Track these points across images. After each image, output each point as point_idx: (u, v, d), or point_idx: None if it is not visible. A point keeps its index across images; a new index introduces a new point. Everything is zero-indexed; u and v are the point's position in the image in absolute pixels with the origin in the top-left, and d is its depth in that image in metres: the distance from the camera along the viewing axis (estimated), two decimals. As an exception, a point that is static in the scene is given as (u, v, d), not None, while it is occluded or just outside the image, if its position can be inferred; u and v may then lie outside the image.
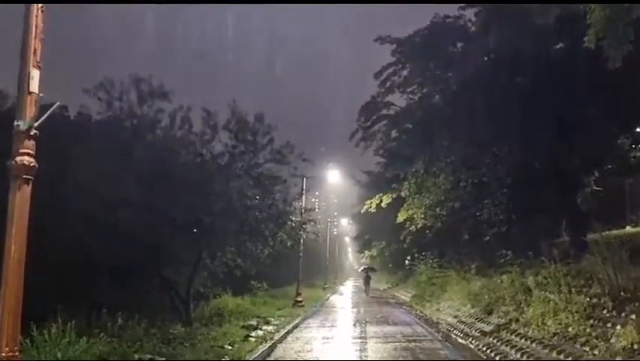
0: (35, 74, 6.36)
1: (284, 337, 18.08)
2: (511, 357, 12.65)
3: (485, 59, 22.27)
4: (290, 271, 36.98)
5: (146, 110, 17.20)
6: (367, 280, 50.66)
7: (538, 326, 13.37)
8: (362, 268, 55.50)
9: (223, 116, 18.49)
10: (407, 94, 30.00)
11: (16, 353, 5.74)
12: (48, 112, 6.54)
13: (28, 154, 6.12)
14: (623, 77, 14.50)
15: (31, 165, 6.12)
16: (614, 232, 19.69)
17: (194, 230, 17.38)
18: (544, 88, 17.88)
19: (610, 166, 23.81)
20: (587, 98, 16.77)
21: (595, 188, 24.71)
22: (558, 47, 18.78)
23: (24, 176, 6.07)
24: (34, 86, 6.34)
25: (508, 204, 25.90)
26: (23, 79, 6.31)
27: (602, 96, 16.25)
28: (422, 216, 31.93)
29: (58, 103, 7.21)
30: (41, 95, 6.45)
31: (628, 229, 24.14)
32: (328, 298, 43.58)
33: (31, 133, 6.20)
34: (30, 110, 6.24)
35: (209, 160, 18.43)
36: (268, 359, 13.86)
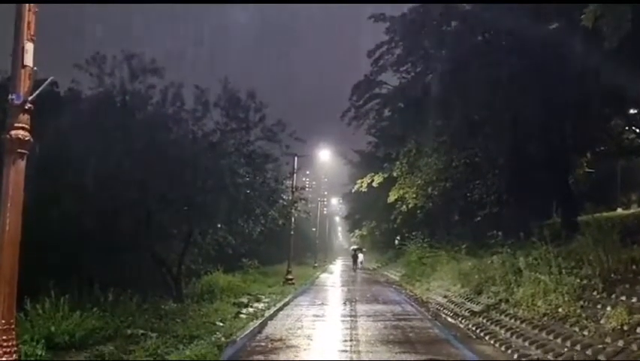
0: (29, 48, 6.28)
1: (275, 314, 18.13)
2: (500, 337, 12.74)
3: (480, 38, 22.18)
4: (281, 250, 37.05)
5: (137, 86, 17.05)
6: (355, 260, 56.25)
7: (528, 307, 13.46)
8: (352, 249, 61.48)
9: (215, 93, 18.38)
10: (400, 73, 29.85)
11: (12, 326, 5.74)
12: (42, 86, 6.48)
13: (22, 128, 6.07)
14: (619, 58, 14.47)
15: (26, 139, 6.07)
16: (606, 213, 19.85)
17: (185, 207, 17.32)
18: (539, 68, 17.83)
19: (603, 148, 23.88)
20: (581, 79, 16.73)
21: (587, 169, 24.84)
22: (553, 26, 18.70)
23: (18, 150, 6.01)
24: (29, 59, 6.27)
25: (499, 185, 25.99)
26: (17, 52, 6.23)
27: (596, 77, 16.20)
28: (413, 196, 32.02)
29: (52, 77, 7.13)
30: (35, 68, 6.37)
31: (619, 211, 24.34)
32: (318, 277, 43.74)
33: (26, 107, 6.14)
34: (24, 84, 6.17)
35: (201, 137, 18.32)
36: (259, 335, 13.88)
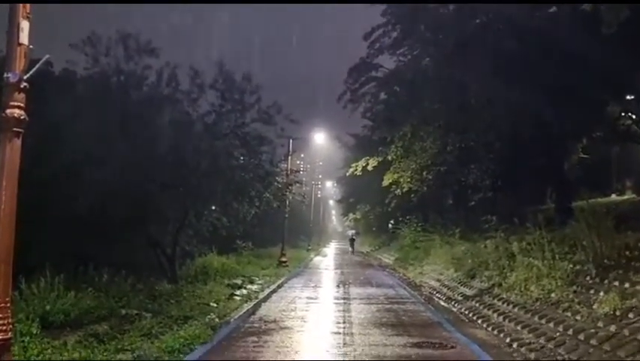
0: (25, 26, 6.22)
1: (268, 296, 18.22)
2: (493, 321, 12.82)
3: (477, 21, 22.06)
4: (275, 232, 37.10)
5: (132, 66, 16.96)
6: (352, 243, 58.02)
7: (521, 291, 13.53)
8: (350, 234, 62.65)
9: (210, 74, 18.31)
10: (396, 56, 29.73)
11: (8, 304, 5.74)
12: (38, 64, 6.43)
13: (18, 107, 6.03)
14: (616, 44, 14.44)
15: (22, 117, 6.03)
16: (600, 199, 19.91)
17: (180, 188, 17.30)
18: (535, 53, 17.77)
19: (598, 134, 23.86)
20: (578, 65, 16.68)
21: (582, 155, 24.85)
22: (552, 10, 18.61)
23: (14, 128, 5.98)
24: (24, 37, 6.21)
25: (494, 170, 26.01)
26: (13, 30, 6.17)
27: (593, 63, 16.15)
28: (408, 180, 31.93)
29: (48, 56, 7.07)
30: (31, 47, 6.32)
31: (613, 197, 24.42)
32: (312, 260, 43.88)
33: (22, 85, 6.09)
34: (20, 62, 6.12)
35: (196, 119, 18.25)
36: (253, 317, 13.94)
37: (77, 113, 14.90)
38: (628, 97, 21.41)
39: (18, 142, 6.03)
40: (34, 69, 6.22)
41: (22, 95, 6.11)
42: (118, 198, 15.02)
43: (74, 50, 16.37)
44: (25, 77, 6.09)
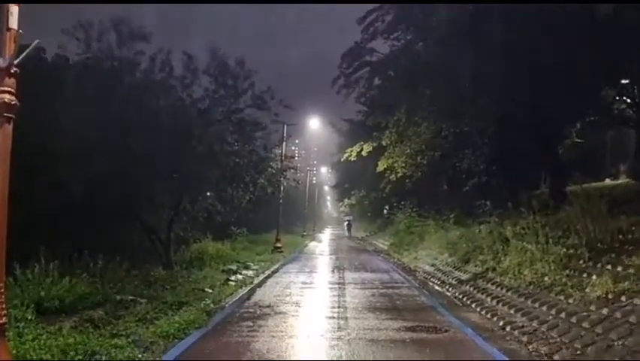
0: (14, 10, 6.14)
1: (263, 281, 18.26)
2: (487, 304, 12.88)
3: (471, 7, 21.96)
4: (270, 218, 37.11)
5: (125, 52, 16.86)
6: (349, 228, 65.99)
7: (514, 275, 13.60)
8: (346, 221, 70.50)
9: (204, 60, 18.22)
10: (391, 40, 29.62)
11: (2, 290, 5.72)
12: (28, 49, 6.37)
13: (8, 92, 5.97)
14: (611, 27, 14.42)
15: (13, 102, 5.97)
16: (594, 184, 19.96)
17: (174, 175, 17.26)
18: (530, 37, 17.71)
19: (592, 118, 23.86)
20: (572, 49, 16.63)
21: (576, 140, 24.87)
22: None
23: (5, 114, 5.92)
24: (14, 22, 6.14)
25: (488, 155, 26.00)
26: (2, 14, 6.11)
27: (587, 46, 16.11)
28: (402, 165, 32.00)
29: (38, 40, 7.01)
30: (20, 31, 6.26)
31: (607, 181, 24.48)
32: (307, 245, 43.98)
33: (12, 70, 6.04)
34: (9, 47, 6.06)
35: (190, 104, 18.18)
36: (248, 302, 13.98)
37: (70, 99, 14.82)
38: (623, 81, 21.39)
39: (9, 128, 5.98)
40: (24, 54, 6.16)
41: (13, 80, 6.04)
42: (111, 185, 14.98)
43: (66, 35, 16.29)
44: (15, 62, 6.03)
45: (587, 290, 10.15)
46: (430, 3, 21.78)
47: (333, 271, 22.38)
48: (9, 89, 5.99)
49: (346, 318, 11.71)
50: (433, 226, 28.65)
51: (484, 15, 18.75)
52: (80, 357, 7.47)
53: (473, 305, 13.39)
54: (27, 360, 7.01)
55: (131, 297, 12.09)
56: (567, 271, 11.75)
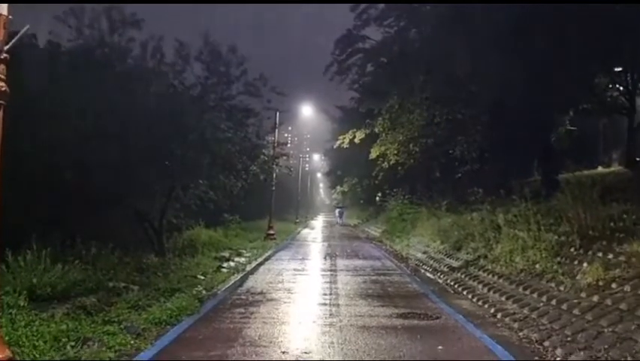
0: (3, -4, 6.10)
1: (256, 268, 18.29)
2: (478, 292, 12.94)
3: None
4: (262, 205, 37.10)
5: (117, 38, 16.78)
6: (341, 215, 64.04)
7: (506, 263, 13.64)
8: (338, 209, 68.53)
9: (196, 46, 18.15)
10: (383, 27, 29.62)
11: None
12: (19, 34, 6.33)
13: (-1, 79, 5.94)
14: (604, 15, 14.41)
15: (3, 89, 5.93)
16: (587, 172, 20.01)
17: (166, 162, 17.20)
18: (523, 24, 17.70)
19: (585, 106, 23.90)
20: (566, 36, 16.63)
21: (569, 127, 24.92)
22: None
23: (-5, 101, 5.90)
24: (3, 8, 6.09)
25: (481, 142, 26.04)
26: (-9, 0, 6.05)
27: (581, 34, 16.11)
28: (395, 152, 31.99)
29: (27, 26, 6.96)
30: (10, 17, 6.20)
31: (600, 169, 24.55)
32: (300, 232, 44.05)
33: (2, 57, 6.00)
34: (-1, 33, 6.02)
35: (182, 91, 18.11)
36: (240, 289, 14.00)
37: (62, 86, 14.74)
38: (616, 69, 21.43)
39: (0, 113, 5.95)
40: (14, 40, 6.11)
41: (3, 67, 6.00)
42: (104, 172, 14.92)
43: (58, 21, 16.20)
44: (5, 48, 5.99)
45: (577, 278, 10.21)
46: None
47: (325, 258, 22.40)
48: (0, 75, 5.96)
49: (338, 305, 11.74)
50: (426, 213, 28.67)
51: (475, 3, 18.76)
52: (73, 343, 7.49)
53: (465, 292, 13.45)
54: (20, 346, 7.01)
55: (123, 284, 12.10)
56: (558, 259, 11.80)
